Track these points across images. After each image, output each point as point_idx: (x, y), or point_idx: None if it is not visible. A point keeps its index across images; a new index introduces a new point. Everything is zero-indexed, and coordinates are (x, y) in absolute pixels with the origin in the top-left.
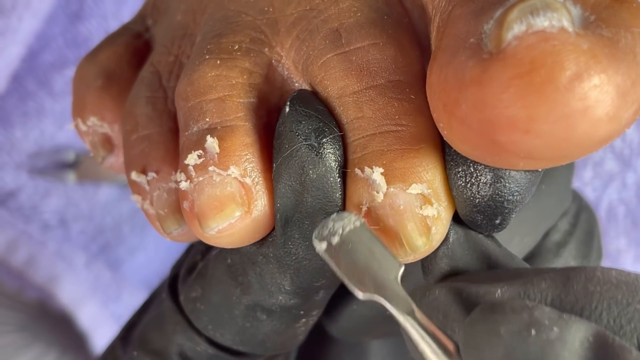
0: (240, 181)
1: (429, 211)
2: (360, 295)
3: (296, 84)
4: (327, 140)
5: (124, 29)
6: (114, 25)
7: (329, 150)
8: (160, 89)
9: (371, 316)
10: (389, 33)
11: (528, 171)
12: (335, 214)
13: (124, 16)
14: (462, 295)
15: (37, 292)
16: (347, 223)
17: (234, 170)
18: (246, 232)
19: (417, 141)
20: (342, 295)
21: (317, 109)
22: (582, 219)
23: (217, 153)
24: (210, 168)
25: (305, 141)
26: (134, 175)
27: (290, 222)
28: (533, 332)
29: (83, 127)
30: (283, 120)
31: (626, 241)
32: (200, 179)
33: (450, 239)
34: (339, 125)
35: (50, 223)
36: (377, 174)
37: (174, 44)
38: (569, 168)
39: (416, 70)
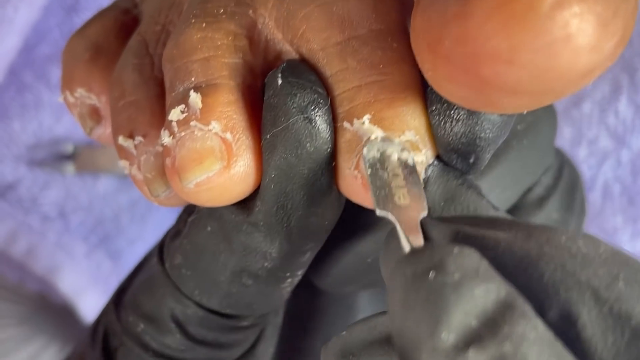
0: (221, 136)
1: (418, 157)
2: (379, 211)
3: (278, 45)
4: (323, 112)
5: (113, 6)
6: None
7: (325, 123)
8: (147, 56)
9: (354, 265)
10: None
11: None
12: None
13: None
14: (433, 230)
15: (38, 283)
16: (406, 155)
17: (215, 125)
18: (224, 187)
19: (402, 89)
20: (326, 246)
21: (310, 79)
22: (565, 174)
23: (199, 108)
24: (192, 123)
25: (302, 114)
26: (121, 140)
27: (285, 192)
28: (431, 275)
29: (71, 99)
30: (275, 92)
31: (622, 219)
32: (183, 133)
33: (428, 188)
34: (323, 78)
35: (49, 215)
36: (366, 123)
37: (161, 14)
38: (552, 125)
39: (396, 19)
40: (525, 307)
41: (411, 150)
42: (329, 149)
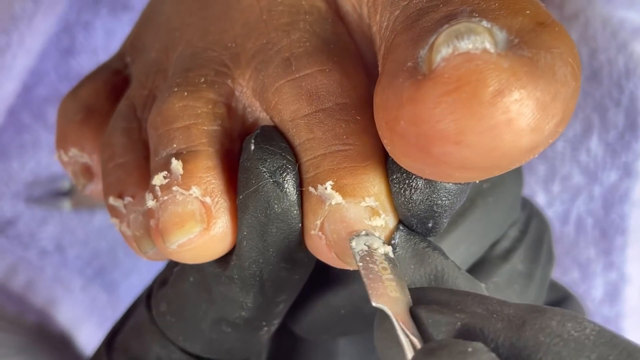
0: (201, 200)
1: (377, 222)
2: (375, 303)
3: (256, 112)
4: (290, 176)
5: (104, 67)
6: (103, 58)
7: (292, 187)
8: (135, 120)
9: (327, 316)
10: (335, 60)
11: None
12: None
13: (113, 50)
14: (429, 321)
15: (37, 315)
16: (388, 249)
17: (195, 190)
18: (205, 248)
19: (364, 158)
20: (300, 294)
21: (280, 146)
22: (532, 226)
23: (180, 174)
24: (174, 188)
25: (271, 178)
26: (111, 200)
27: (257, 248)
28: None
29: (65, 158)
30: (248, 156)
31: (595, 251)
32: (165, 198)
33: (397, 252)
34: (293, 146)
35: (47, 249)
36: (328, 189)
37: (148, 79)
38: (517, 182)
39: (361, 94)
40: None
41: (371, 216)
42: (295, 211)
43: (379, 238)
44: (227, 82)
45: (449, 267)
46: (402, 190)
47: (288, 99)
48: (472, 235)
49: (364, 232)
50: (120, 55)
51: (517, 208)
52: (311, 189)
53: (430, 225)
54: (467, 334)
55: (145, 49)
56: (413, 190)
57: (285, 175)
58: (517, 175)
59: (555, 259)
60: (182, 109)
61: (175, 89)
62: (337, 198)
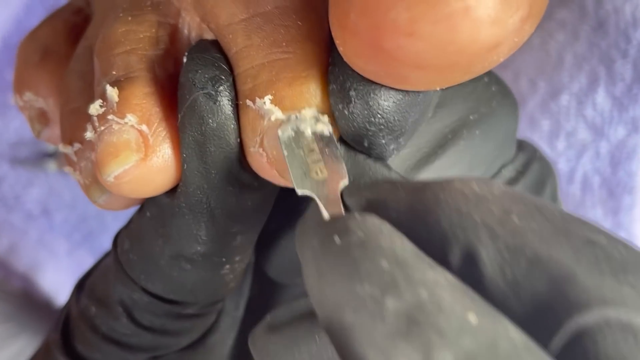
0: (137, 129)
1: (318, 127)
2: (299, 191)
3: (201, 30)
4: (224, 87)
5: (67, 5)
6: None
7: (226, 98)
8: (92, 62)
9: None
10: None
11: (400, 95)
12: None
13: None
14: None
15: (21, 280)
16: (321, 127)
17: (130, 118)
18: (144, 179)
19: (305, 67)
20: (271, 235)
21: (214, 56)
22: (532, 169)
23: (116, 102)
24: (110, 117)
25: (202, 90)
26: (61, 147)
27: (199, 172)
28: (337, 239)
29: (20, 102)
30: (183, 70)
31: (602, 211)
32: (102, 128)
33: None
34: (229, 54)
35: (33, 213)
36: (267, 103)
37: (105, 16)
38: (510, 117)
39: None
40: (429, 259)
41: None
42: (232, 126)
43: (311, 117)
44: (172, 1)
45: (392, 175)
46: (337, 104)
47: (224, 2)
48: (454, 169)
49: (294, 116)
50: None
51: (510, 146)
52: (249, 102)
53: (366, 144)
54: (372, 208)
55: None
56: (346, 104)
57: (219, 87)
58: (510, 109)
59: (562, 206)
60: (124, 34)
61: (121, 14)
62: (276, 113)
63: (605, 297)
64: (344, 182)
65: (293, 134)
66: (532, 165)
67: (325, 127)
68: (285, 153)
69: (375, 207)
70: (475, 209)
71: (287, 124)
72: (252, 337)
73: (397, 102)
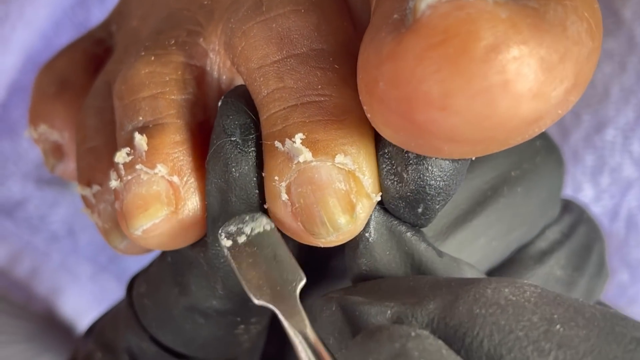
0: (167, 180)
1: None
2: (255, 301)
3: (232, 74)
4: (253, 137)
5: (87, 36)
6: None
7: (252, 148)
8: (110, 99)
9: None
10: (312, 0)
11: (454, 159)
12: (247, 215)
13: None
14: (356, 313)
15: (43, 304)
16: (257, 225)
17: (160, 169)
18: (174, 233)
19: (341, 112)
20: None
21: (250, 103)
22: (579, 232)
23: (145, 151)
24: (138, 166)
25: (230, 137)
26: (79, 189)
27: (217, 222)
28: None
29: (34, 135)
30: (217, 114)
31: None
32: (129, 177)
33: (372, 236)
34: (258, 99)
35: (58, 233)
36: (297, 143)
37: (126, 52)
38: (556, 175)
39: (343, 41)
40: None
41: (346, 180)
42: (255, 178)
43: (248, 218)
44: (199, 42)
45: (428, 253)
46: (394, 165)
47: (256, 43)
48: (494, 228)
49: (233, 225)
50: (105, 23)
51: (554, 205)
52: (277, 143)
53: (420, 210)
54: (399, 321)
55: (129, 16)
56: (404, 165)
57: (247, 135)
58: (555, 165)
59: (609, 274)
60: (148, 76)
61: (143, 53)
62: (306, 155)
63: None
64: (303, 282)
65: (230, 242)
66: (578, 227)
67: (265, 223)
68: (233, 264)
69: (405, 321)
70: (516, 323)
71: (227, 228)
72: None
73: (454, 162)
